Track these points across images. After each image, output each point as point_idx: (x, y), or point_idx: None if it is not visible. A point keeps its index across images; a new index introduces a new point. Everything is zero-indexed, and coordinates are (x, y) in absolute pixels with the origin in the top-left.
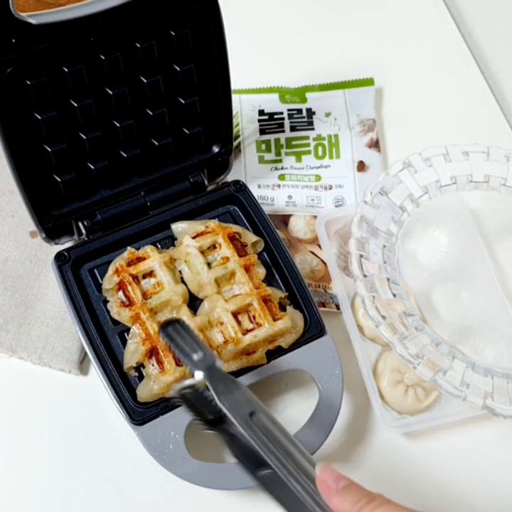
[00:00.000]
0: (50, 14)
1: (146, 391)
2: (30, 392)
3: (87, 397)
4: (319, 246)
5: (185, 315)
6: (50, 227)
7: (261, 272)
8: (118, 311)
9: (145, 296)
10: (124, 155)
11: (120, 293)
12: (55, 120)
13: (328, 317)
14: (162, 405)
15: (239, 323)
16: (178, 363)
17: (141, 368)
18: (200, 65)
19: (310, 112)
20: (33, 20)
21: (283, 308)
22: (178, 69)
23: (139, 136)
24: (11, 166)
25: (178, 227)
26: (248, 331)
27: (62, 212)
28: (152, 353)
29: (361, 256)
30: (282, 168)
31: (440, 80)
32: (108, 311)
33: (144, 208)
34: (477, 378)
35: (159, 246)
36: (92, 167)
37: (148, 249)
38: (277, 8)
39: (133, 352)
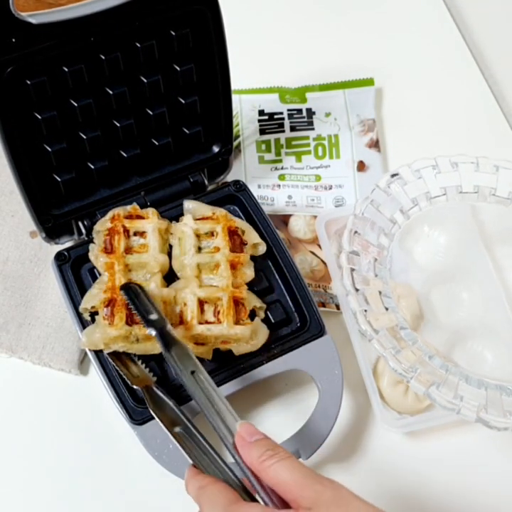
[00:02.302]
0: (50, 14)
1: (89, 336)
2: (30, 392)
3: (87, 397)
4: (319, 246)
5: (155, 283)
6: (50, 226)
7: (248, 273)
8: (96, 255)
9: (127, 251)
10: (124, 155)
11: (107, 238)
12: (55, 120)
13: (328, 317)
14: None
15: (202, 311)
16: (128, 323)
17: (95, 316)
18: (200, 64)
19: (310, 112)
20: (33, 20)
21: (253, 318)
22: (178, 69)
23: (139, 136)
24: (11, 166)
25: (189, 205)
26: (206, 322)
27: (62, 212)
28: (109, 303)
29: (352, 270)
30: (282, 168)
31: (440, 80)
32: None
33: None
34: (470, 391)
35: None
36: (92, 167)
37: (150, 212)
38: (277, 8)
39: (93, 296)
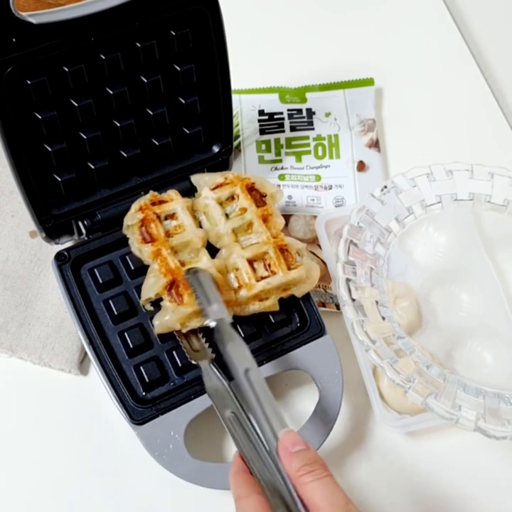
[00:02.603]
0: (50, 14)
1: (161, 320)
2: (30, 392)
3: (87, 397)
4: (319, 246)
5: (205, 256)
6: (50, 226)
7: (279, 221)
8: (139, 247)
9: (167, 235)
10: (124, 155)
11: (142, 229)
12: (55, 120)
13: (328, 317)
14: (162, 405)
15: (254, 270)
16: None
17: (160, 303)
18: (200, 64)
19: (310, 112)
20: (33, 20)
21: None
22: (179, 69)
23: (139, 136)
24: (11, 166)
25: (198, 179)
26: (263, 278)
27: (63, 212)
28: (172, 286)
29: (348, 280)
30: (282, 168)
31: (440, 80)
32: (108, 311)
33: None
34: (468, 399)
35: None
36: (92, 167)
37: (173, 193)
38: (277, 8)
39: (152, 284)
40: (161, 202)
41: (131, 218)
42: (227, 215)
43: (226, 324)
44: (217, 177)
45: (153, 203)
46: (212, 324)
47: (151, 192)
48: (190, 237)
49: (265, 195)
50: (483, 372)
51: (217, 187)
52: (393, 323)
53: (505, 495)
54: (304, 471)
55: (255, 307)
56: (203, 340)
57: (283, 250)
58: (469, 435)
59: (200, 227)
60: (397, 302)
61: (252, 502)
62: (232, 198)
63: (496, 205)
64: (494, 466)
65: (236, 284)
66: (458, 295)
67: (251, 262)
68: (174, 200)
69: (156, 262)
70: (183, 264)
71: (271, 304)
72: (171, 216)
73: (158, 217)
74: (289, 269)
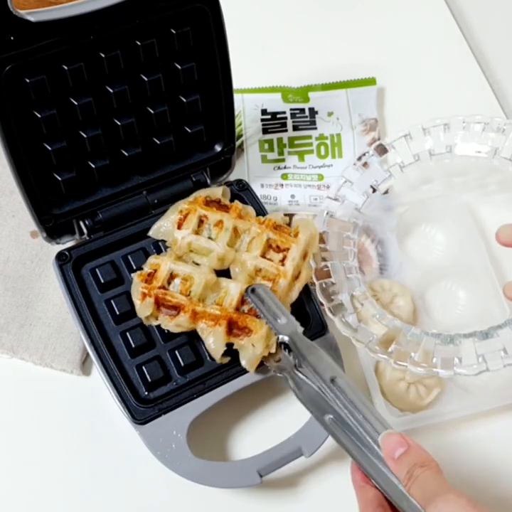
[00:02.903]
0: (49, 12)
1: (251, 359)
2: (31, 393)
3: (89, 398)
4: None
5: (229, 283)
6: (50, 226)
7: (250, 209)
8: (175, 324)
9: (183, 294)
10: (126, 154)
11: (162, 309)
12: (55, 118)
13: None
14: (164, 405)
15: (272, 260)
16: (257, 316)
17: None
18: (201, 63)
19: (312, 112)
20: (32, 18)
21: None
22: (179, 67)
23: (141, 135)
24: (10, 166)
25: (156, 232)
26: (284, 258)
27: (63, 212)
28: (231, 328)
29: (325, 284)
30: (285, 168)
31: (441, 80)
32: (110, 311)
33: (146, 208)
34: (444, 350)
35: (161, 246)
36: (93, 166)
37: (153, 260)
38: (279, 7)
39: (216, 342)
40: (151, 275)
41: (144, 309)
42: (210, 238)
43: (299, 336)
44: (172, 215)
45: (148, 280)
46: (285, 339)
47: (133, 275)
48: (203, 280)
49: (219, 200)
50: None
51: (180, 223)
52: (370, 303)
53: (507, 491)
54: (406, 478)
55: (298, 286)
56: (284, 349)
57: (276, 227)
58: (471, 432)
59: (198, 264)
60: (393, 301)
61: None
62: (201, 221)
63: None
64: (496, 463)
65: (270, 283)
66: (455, 292)
67: (264, 256)
68: (162, 262)
69: (199, 323)
70: (219, 303)
71: (306, 274)
72: (171, 277)
73: (164, 287)
74: (295, 236)
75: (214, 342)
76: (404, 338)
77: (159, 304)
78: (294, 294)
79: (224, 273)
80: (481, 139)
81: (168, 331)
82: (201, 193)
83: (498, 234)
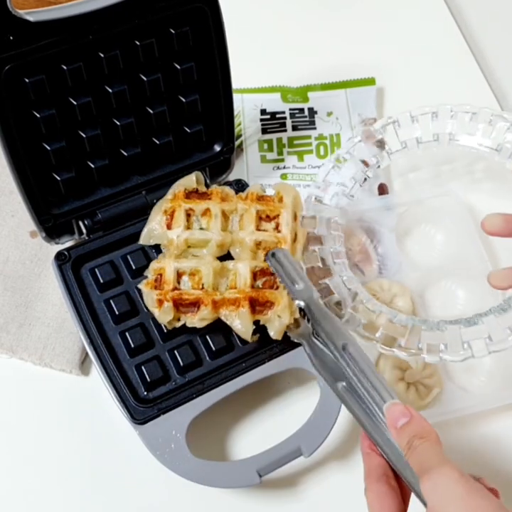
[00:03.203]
0: (48, 11)
1: (279, 329)
2: (30, 393)
3: (88, 398)
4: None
5: (237, 264)
6: (50, 226)
7: (228, 189)
8: (199, 319)
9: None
10: (125, 154)
11: (183, 309)
12: (54, 118)
13: None
14: (163, 404)
15: (266, 230)
16: (273, 287)
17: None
18: (200, 63)
19: (312, 112)
20: (31, 18)
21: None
22: (179, 67)
23: (140, 135)
24: (10, 166)
25: (147, 238)
26: (277, 227)
27: (63, 212)
28: (254, 305)
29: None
30: (284, 168)
31: (441, 79)
32: (109, 311)
33: (145, 207)
34: (430, 336)
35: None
36: (92, 166)
37: (155, 265)
38: (278, 7)
39: (244, 322)
40: (157, 280)
41: (165, 315)
42: (203, 228)
43: (314, 302)
44: (157, 217)
45: (156, 284)
46: (302, 304)
47: (145, 283)
48: (210, 270)
49: (197, 189)
50: (481, 374)
51: (169, 223)
52: (357, 287)
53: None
54: (408, 447)
55: (299, 247)
56: (301, 313)
57: (259, 199)
58: (470, 432)
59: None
60: (393, 301)
61: (373, 493)
62: (188, 215)
63: (459, 144)
64: (496, 463)
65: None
66: (454, 292)
67: (258, 229)
68: (164, 266)
69: (221, 311)
70: (232, 287)
71: (303, 234)
72: (178, 276)
73: (176, 288)
74: (281, 202)
75: (241, 324)
76: (391, 323)
77: (177, 304)
78: (298, 256)
79: (225, 257)
80: (469, 129)
81: (167, 330)
82: (178, 188)
83: (484, 222)
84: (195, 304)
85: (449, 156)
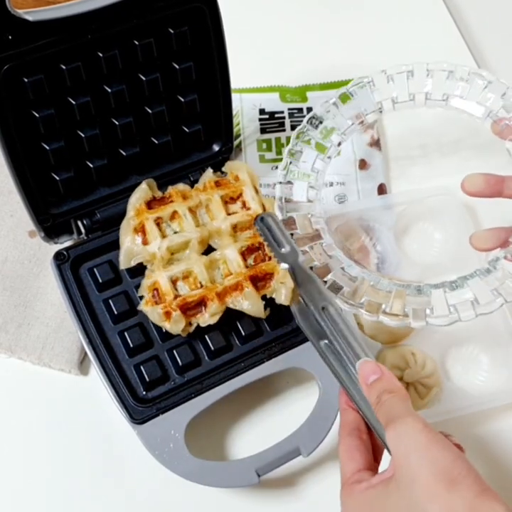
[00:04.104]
0: (47, 11)
1: (287, 294)
2: (29, 393)
3: (87, 397)
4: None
5: (223, 251)
6: (49, 226)
7: (182, 186)
8: (210, 315)
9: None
10: (124, 153)
11: (190, 313)
12: (53, 118)
13: None
14: (162, 404)
15: (236, 212)
16: (265, 260)
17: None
18: (199, 62)
19: (310, 111)
20: (29, 17)
21: None
22: (177, 67)
23: (139, 135)
24: (8, 165)
25: (127, 261)
26: (244, 205)
27: (61, 212)
28: (254, 282)
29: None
30: None
31: None
32: (108, 310)
33: None
34: (415, 300)
35: None
36: (91, 165)
37: (146, 281)
38: (277, 6)
39: (253, 301)
40: (155, 295)
41: (177, 325)
42: (177, 232)
43: (298, 265)
44: (127, 237)
45: (155, 299)
46: (285, 267)
47: (144, 302)
48: (201, 266)
49: (153, 197)
50: (480, 374)
51: (144, 239)
52: (338, 255)
53: (507, 491)
54: (376, 403)
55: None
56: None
57: (216, 184)
58: (469, 431)
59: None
60: None
61: (344, 447)
62: (158, 225)
63: (436, 102)
64: (495, 463)
65: (252, 231)
66: None
67: (228, 213)
68: (156, 279)
69: (227, 300)
70: (227, 275)
71: (269, 203)
72: (173, 283)
73: (177, 296)
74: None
75: (251, 303)
76: (374, 289)
77: (184, 310)
78: None
79: (207, 252)
80: (446, 88)
81: (166, 330)
82: (138, 202)
83: (464, 183)
84: (201, 303)
85: (428, 126)
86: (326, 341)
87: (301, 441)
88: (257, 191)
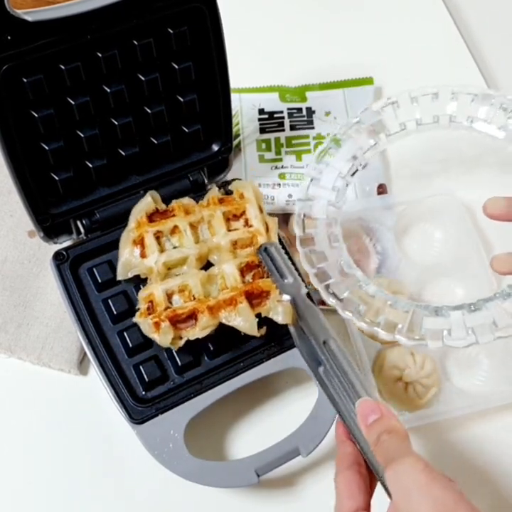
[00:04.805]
0: (46, 11)
1: (286, 312)
2: (29, 393)
3: (86, 397)
4: None
5: (221, 266)
6: (48, 226)
7: (187, 200)
8: (200, 328)
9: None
10: (123, 153)
11: (181, 326)
12: (52, 118)
13: (327, 315)
14: (162, 404)
15: (238, 229)
16: (263, 277)
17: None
18: (198, 62)
19: (310, 111)
20: (29, 18)
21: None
22: (177, 67)
23: (138, 135)
24: (8, 165)
25: (124, 272)
26: (246, 223)
27: (61, 212)
28: (250, 298)
29: (309, 251)
30: (282, 167)
31: (439, 79)
32: (107, 310)
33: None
34: (433, 321)
35: None
36: (91, 165)
37: (143, 294)
38: (276, 7)
39: (245, 317)
40: (150, 307)
41: (165, 336)
42: (176, 247)
43: (301, 297)
44: (126, 249)
45: (150, 311)
46: (287, 299)
47: (138, 314)
48: (197, 280)
49: (156, 208)
50: (479, 374)
51: (142, 251)
52: (356, 273)
53: (504, 491)
54: (379, 439)
55: (273, 235)
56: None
57: (221, 201)
58: (468, 431)
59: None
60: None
61: (343, 479)
62: (157, 238)
63: (460, 125)
64: (492, 462)
65: (251, 248)
66: (453, 289)
67: (229, 230)
68: (152, 292)
69: (220, 315)
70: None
71: (272, 222)
72: (168, 297)
73: (168, 307)
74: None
75: (243, 320)
76: (392, 308)
77: (174, 322)
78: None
79: (205, 268)
80: (471, 111)
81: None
82: (139, 214)
83: (486, 205)
84: (192, 316)
85: (443, 148)
86: (324, 368)
87: (301, 441)
88: (261, 210)
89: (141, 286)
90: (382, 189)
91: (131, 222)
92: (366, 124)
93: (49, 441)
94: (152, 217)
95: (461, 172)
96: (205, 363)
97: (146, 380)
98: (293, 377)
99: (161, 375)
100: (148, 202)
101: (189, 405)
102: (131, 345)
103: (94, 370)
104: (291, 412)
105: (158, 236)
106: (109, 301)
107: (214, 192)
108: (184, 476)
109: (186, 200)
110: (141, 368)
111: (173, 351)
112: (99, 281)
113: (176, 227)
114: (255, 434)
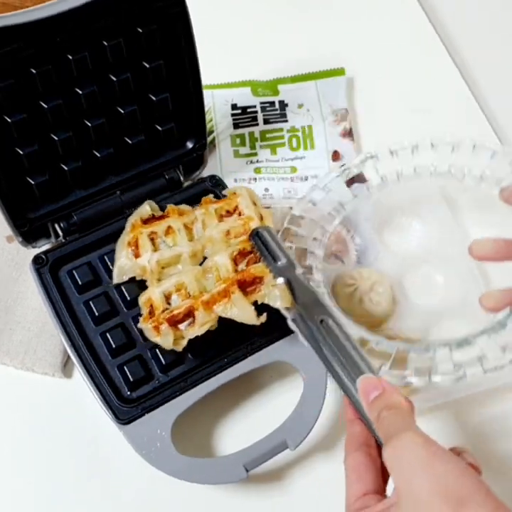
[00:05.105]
0: (13, 16)
1: (282, 296)
2: (13, 398)
3: (72, 400)
4: None
5: (214, 258)
6: (26, 230)
7: (184, 206)
8: (199, 325)
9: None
10: (98, 155)
11: (181, 326)
12: (25, 122)
13: None
14: (147, 404)
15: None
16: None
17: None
18: (169, 61)
19: (283, 104)
20: None
21: None
22: (148, 66)
23: (112, 135)
24: None
25: (120, 274)
26: (239, 215)
27: (38, 215)
28: (243, 287)
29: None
30: (258, 161)
31: (410, 68)
32: (89, 312)
33: (121, 208)
34: (442, 356)
35: None
36: (66, 168)
37: (142, 298)
38: (245, 5)
39: (242, 307)
40: (151, 312)
41: (166, 338)
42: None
43: (295, 278)
44: (122, 252)
45: (151, 315)
46: (282, 281)
47: (142, 319)
48: (191, 276)
49: (153, 215)
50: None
51: (136, 252)
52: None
53: (496, 475)
54: (380, 415)
55: (269, 223)
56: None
57: (214, 202)
58: (456, 418)
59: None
60: (373, 288)
61: (351, 463)
62: (152, 239)
63: (440, 173)
64: (487, 448)
65: (244, 236)
66: (433, 277)
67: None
68: (150, 295)
69: (216, 308)
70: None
71: (268, 213)
72: (167, 298)
73: (165, 309)
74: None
75: (239, 309)
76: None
77: (173, 323)
78: None
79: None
80: (451, 161)
81: None
82: (134, 219)
83: (472, 247)
84: (189, 314)
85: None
86: (325, 348)
87: (288, 434)
88: (255, 204)
89: (123, 288)
90: (336, 156)
91: (127, 228)
92: None
93: (34, 445)
94: (147, 221)
95: None
96: (189, 361)
97: (131, 380)
98: (277, 371)
99: (145, 375)
100: (145, 209)
101: (175, 403)
102: (114, 345)
103: (79, 373)
104: (277, 405)
105: (152, 237)
106: (91, 302)
107: (209, 196)
108: (173, 474)
109: (183, 206)
110: (125, 368)
111: (157, 350)
112: (80, 283)
113: (169, 227)
114: (242, 430)
